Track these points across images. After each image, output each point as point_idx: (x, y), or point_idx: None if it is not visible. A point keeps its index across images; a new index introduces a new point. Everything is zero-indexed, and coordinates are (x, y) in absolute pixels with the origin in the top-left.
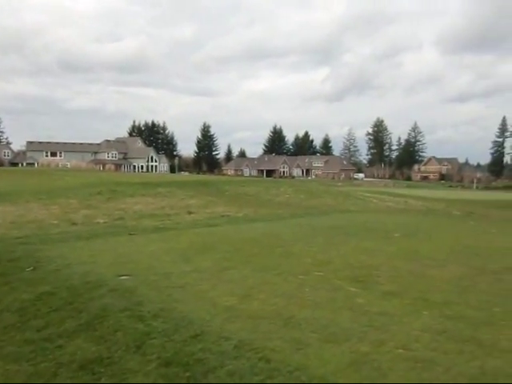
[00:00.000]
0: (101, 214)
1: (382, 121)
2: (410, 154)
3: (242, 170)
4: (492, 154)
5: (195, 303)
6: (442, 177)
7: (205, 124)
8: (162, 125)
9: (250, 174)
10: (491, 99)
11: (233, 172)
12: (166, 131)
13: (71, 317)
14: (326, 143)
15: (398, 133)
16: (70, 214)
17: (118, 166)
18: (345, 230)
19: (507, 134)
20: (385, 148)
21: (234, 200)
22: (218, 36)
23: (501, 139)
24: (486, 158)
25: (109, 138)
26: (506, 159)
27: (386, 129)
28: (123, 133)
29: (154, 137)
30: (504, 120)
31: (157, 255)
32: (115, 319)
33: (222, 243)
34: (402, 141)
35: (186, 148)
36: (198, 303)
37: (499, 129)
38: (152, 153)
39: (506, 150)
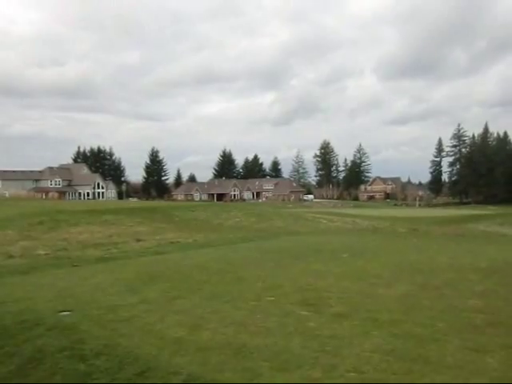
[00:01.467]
0: (41, 246)
1: (329, 143)
2: (356, 174)
3: (192, 194)
4: (431, 172)
5: (142, 337)
6: (387, 195)
7: (153, 149)
8: (108, 150)
9: (201, 198)
10: (427, 122)
11: (183, 197)
12: (113, 157)
13: (0, 363)
14: (276, 166)
15: (344, 154)
16: (7, 246)
17: (62, 194)
18: (294, 252)
19: (443, 153)
20: (332, 169)
21: (183, 226)
22: (166, 61)
23: (438, 159)
24: (426, 177)
25: (52, 165)
26: (444, 177)
27: (332, 150)
28: (67, 159)
29: (101, 163)
30: (440, 141)
31: (101, 287)
32: (53, 361)
33: (171, 271)
34: (349, 162)
35: (135, 173)
36: (144, 337)
37: (436, 149)
38: (98, 179)
39: (443, 169)
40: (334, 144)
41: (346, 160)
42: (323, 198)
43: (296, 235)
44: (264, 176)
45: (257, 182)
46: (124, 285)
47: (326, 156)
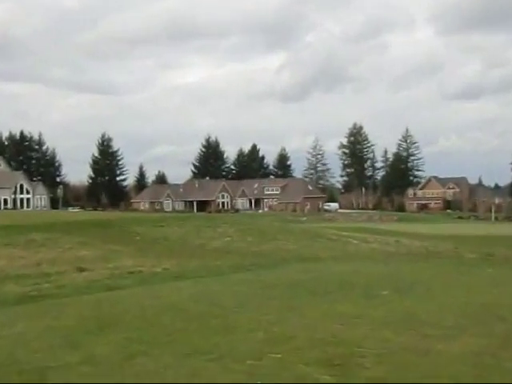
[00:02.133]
0: None
1: (361, 127)
2: (401, 173)
3: (161, 202)
4: None
5: None
6: (448, 204)
7: (104, 136)
8: (36, 137)
9: (174, 208)
10: (508, 95)
11: (147, 206)
12: (44, 147)
13: None
14: (283, 161)
15: (383, 144)
16: None
17: None
18: (311, 287)
19: None
20: (366, 166)
21: (148, 248)
22: (123, 6)
23: None
24: (506, 177)
25: None
26: None
27: (366, 139)
28: None
29: (25, 155)
30: None
31: (24, 340)
32: None
33: (130, 316)
34: (390, 155)
35: (77, 171)
36: None
37: None
38: (21, 180)
39: None
40: (368, 129)
41: (386, 152)
42: (352, 207)
43: (313, 262)
44: (266, 175)
45: (256, 185)
46: (60, 336)
47: (356, 146)
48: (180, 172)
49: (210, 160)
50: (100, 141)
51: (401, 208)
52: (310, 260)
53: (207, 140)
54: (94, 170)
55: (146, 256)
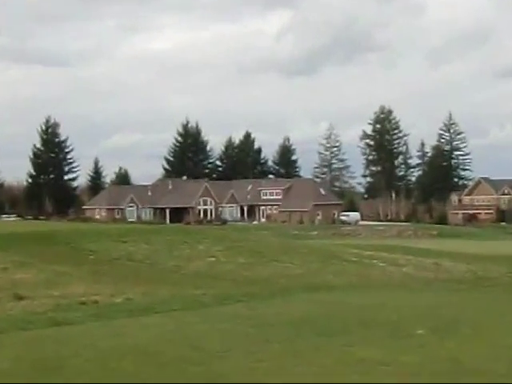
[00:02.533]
0: None
1: (390, 112)
2: (442, 173)
3: (122, 209)
4: None
5: None
6: (501, 215)
7: (49, 121)
8: None
9: (140, 217)
10: None
11: (105, 214)
12: None
13: None
14: (286, 155)
15: (419, 134)
16: None
17: None
18: (322, 325)
19: None
20: (397, 163)
21: (105, 271)
22: None
23: None
24: None
25: None
26: None
27: (397, 127)
28: None
29: None
30: None
31: None
32: None
33: (81, 359)
34: (428, 149)
35: (13, 168)
36: None
37: None
38: None
39: None
40: (399, 114)
41: (423, 146)
42: (378, 218)
43: (325, 292)
44: (264, 175)
45: (249, 187)
46: None
47: (384, 137)
48: (148, 169)
49: (189, 153)
50: (43, 127)
51: (442, 219)
52: (320, 289)
53: (184, 126)
54: (36, 165)
55: (102, 281)
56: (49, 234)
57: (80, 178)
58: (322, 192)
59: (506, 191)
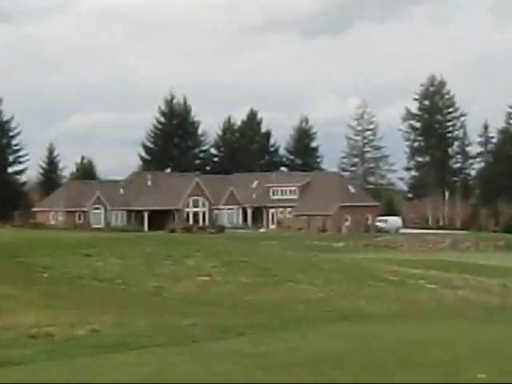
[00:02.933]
0: None
1: (443, 84)
2: None
3: (86, 212)
4: None
5: None
6: None
7: None
8: None
9: (109, 222)
10: None
11: (62, 219)
12: None
13: None
14: (304, 140)
15: (482, 113)
16: None
17: None
18: (352, 366)
19: None
20: (452, 152)
21: (64, 294)
22: None
23: None
24: None
25: None
26: None
27: (452, 104)
28: None
29: None
30: None
31: None
32: None
33: None
34: (493, 133)
35: None
36: None
37: None
38: None
39: None
40: (455, 87)
41: (485, 129)
42: (427, 224)
43: (356, 322)
44: (274, 167)
45: (255, 183)
46: None
47: (434, 117)
48: (120, 160)
49: (174, 139)
50: None
51: (511, 227)
52: (349, 318)
53: (168, 103)
54: None
55: (59, 307)
56: None
57: (29, 170)
58: (352, 190)
59: None
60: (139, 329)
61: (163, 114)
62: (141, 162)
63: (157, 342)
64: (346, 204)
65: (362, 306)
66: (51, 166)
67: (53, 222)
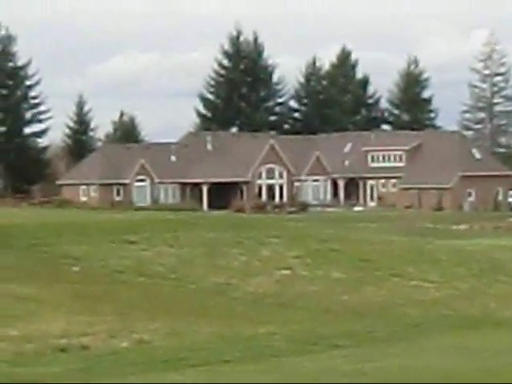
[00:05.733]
0: None
1: None
2: None
3: (126, 185)
4: None
5: None
6: None
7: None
8: None
9: (157, 198)
10: None
11: (96, 194)
12: None
13: None
14: (413, 88)
15: None
16: None
17: None
18: None
19: None
20: None
21: (100, 293)
22: None
23: None
24: None
25: None
26: None
27: None
28: None
29: None
30: None
31: None
32: None
33: None
34: None
35: None
36: None
37: None
38: None
39: None
40: None
41: None
42: None
43: (490, 328)
44: (374, 124)
45: (349, 146)
46: None
47: None
48: (171, 116)
49: (242, 88)
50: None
51: None
52: (477, 325)
53: (233, 41)
54: None
55: (94, 311)
56: (0, 229)
57: (52, 131)
58: (477, 155)
59: None
60: (200, 339)
61: (227, 55)
62: (198, 120)
63: (224, 357)
64: (470, 173)
65: (494, 310)
66: (81, 125)
67: (84, 199)
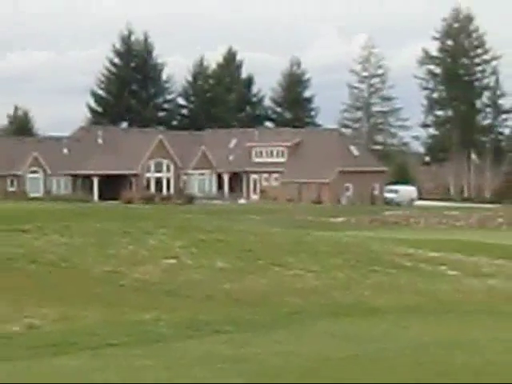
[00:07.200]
0: None
1: (470, 18)
2: None
3: (19, 177)
4: None
5: None
6: None
7: None
8: None
9: (49, 190)
10: None
11: None
12: None
13: None
14: (295, 88)
15: None
16: None
17: None
18: (355, 374)
19: None
20: (480, 105)
21: None
22: None
23: None
24: None
25: None
26: None
27: (481, 43)
28: None
29: None
30: None
31: None
32: None
33: None
34: None
35: None
36: None
37: None
38: None
39: None
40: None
41: None
42: (448, 195)
43: (362, 317)
44: (258, 121)
45: (233, 141)
46: None
47: (458, 61)
48: (64, 111)
49: (132, 85)
50: None
51: None
52: (353, 313)
53: (125, 40)
54: None
55: None
56: None
57: None
58: (355, 151)
59: None
60: (89, 325)
61: (118, 53)
62: (89, 115)
63: (112, 341)
64: (347, 169)
65: (369, 299)
66: None
67: None
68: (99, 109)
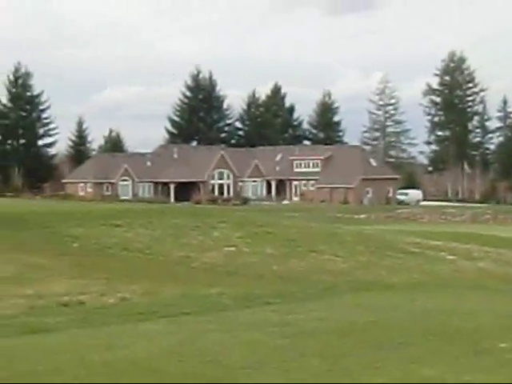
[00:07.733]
0: None
1: (463, 59)
2: None
3: (113, 184)
4: None
5: None
6: None
7: (18, 69)
8: None
9: (136, 193)
10: None
11: (91, 190)
12: None
13: None
14: (327, 115)
15: (501, 89)
16: None
17: None
18: (375, 336)
19: None
20: (471, 127)
21: (94, 263)
22: None
23: None
24: None
25: None
26: None
27: (471, 79)
28: None
29: None
30: None
31: None
32: None
33: (63, 378)
34: None
35: None
36: None
37: None
38: None
39: None
40: (475, 62)
41: (505, 104)
42: (446, 196)
43: (379, 292)
44: (298, 140)
45: (279, 156)
46: None
47: (454, 92)
48: (147, 133)
49: (200, 112)
50: (11, 78)
51: None
52: (372, 288)
53: (194, 78)
54: (1, 128)
55: (89, 277)
56: (17, 215)
57: (59, 143)
58: (373, 163)
59: None
60: (167, 298)
61: (189, 88)
62: (167, 136)
63: (185, 310)
64: (368, 177)
65: (384, 277)
66: (80, 139)
67: (81, 194)
68: (175, 131)
